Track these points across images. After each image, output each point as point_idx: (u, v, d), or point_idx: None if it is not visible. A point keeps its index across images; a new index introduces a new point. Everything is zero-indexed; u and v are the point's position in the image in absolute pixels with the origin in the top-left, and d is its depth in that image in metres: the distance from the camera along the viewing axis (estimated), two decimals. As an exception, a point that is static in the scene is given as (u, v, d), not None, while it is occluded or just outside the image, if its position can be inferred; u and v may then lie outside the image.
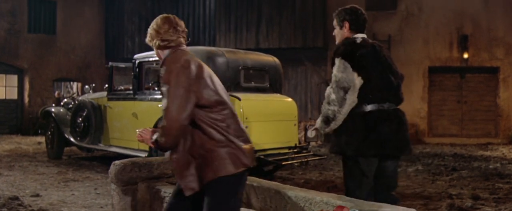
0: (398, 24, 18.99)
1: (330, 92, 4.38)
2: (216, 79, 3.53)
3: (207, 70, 3.51)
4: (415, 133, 18.50)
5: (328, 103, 4.38)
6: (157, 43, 3.61)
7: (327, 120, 4.40)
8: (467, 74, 18.98)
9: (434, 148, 16.22)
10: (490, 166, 11.71)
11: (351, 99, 4.33)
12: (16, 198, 7.17)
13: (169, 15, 3.71)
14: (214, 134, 3.34)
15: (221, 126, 3.36)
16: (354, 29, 4.60)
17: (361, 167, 4.38)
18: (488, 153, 14.75)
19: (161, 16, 3.69)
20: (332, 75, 4.39)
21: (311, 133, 5.06)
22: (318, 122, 4.50)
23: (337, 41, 4.67)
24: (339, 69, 4.34)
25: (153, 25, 3.65)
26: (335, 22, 4.70)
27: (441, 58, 18.68)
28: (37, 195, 7.80)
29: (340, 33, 4.67)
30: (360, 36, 4.60)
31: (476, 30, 18.38)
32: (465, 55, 18.36)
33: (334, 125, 4.38)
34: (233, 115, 3.49)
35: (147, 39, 3.70)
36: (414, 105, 18.59)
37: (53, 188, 8.51)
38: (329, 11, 19.21)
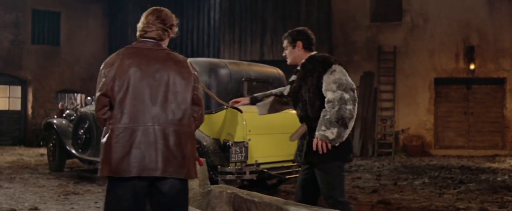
0: (403, 36, 18.86)
1: (340, 94, 4.45)
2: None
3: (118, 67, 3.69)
4: (421, 145, 18.33)
5: (345, 103, 4.42)
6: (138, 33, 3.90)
7: (344, 123, 4.42)
8: (474, 85, 18.81)
9: (441, 160, 16.04)
10: (498, 179, 11.53)
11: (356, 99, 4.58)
12: (14, 212, 7.04)
13: (160, 8, 3.89)
14: None
15: None
16: (307, 48, 4.87)
17: (343, 172, 4.69)
18: (495, 165, 14.56)
19: (152, 7, 3.88)
20: (335, 80, 4.49)
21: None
22: (331, 132, 4.41)
23: (289, 61, 4.96)
24: (342, 74, 4.54)
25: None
26: (286, 43, 4.94)
27: (447, 69, 18.53)
28: (36, 209, 7.65)
29: (293, 53, 4.90)
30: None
31: (482, 41, 18.23)
32: (472, 66, 18.21)
33: (350, 127, 4.49)
34: None
35: None
36: (420, 117, 18.44)
37: (53, 202, 8.35)
38: (334, 22, 19.15)
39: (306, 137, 4.71)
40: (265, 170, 7.97)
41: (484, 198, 9.03)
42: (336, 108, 4.40)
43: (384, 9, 19.30)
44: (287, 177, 8.40)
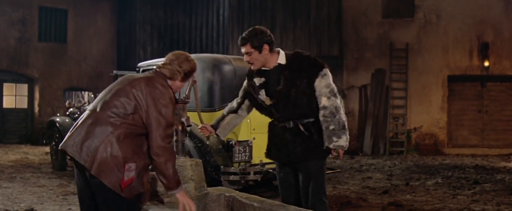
0: (416, 32, 18.48)
1: (334, 101, 4.54)
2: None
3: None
4: (434, 143, 17.97)
5: (340, 109, 4.54)
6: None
7: (345, 127, 4.56)
8: (488, 83, 18.41)
9: (454, 159, 15.68)
10: (514, 179, 11.16)
11: None
12: (7, 213, 6.79)
13: (186, 54, 4.24)
14: None
15: None
16: (272, 49, 4.68)
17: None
18: (511, 164, 14.19)
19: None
20: (327, 85, 4.56)
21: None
22: (343, 140, 4.54)
23: (256, 67, 4.73)
24: (331, 77, 4.62)
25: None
26: (249, 48, 4.64)
27: (461, 66, 18.14)
28: (31, 210, 7.39)
29: (260, 57, 4.66)
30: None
31: (497, 37, 17.83)
32: (486, 63, 17.80)
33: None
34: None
35: None
36: (433, 115, 18.07)
37: (50, 202, 8.10)
38: (345, 18, 18.82)
39: (287, 137, 4.70)
40: (271, 170, 7.63)
41: (500, 199, 8.68)
42: (337, 117, 4.50)
43: (396, 5, 18.92)
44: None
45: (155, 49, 21.80)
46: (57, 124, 11.77)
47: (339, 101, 4.57)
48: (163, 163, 3.75)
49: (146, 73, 4.09)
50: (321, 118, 4.54)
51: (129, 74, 4.34)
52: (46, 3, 20.86)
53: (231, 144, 7.43)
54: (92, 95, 12.73)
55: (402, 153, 17.38)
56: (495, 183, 10.53)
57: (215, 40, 21.11)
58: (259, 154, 7.69)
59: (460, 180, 11.00)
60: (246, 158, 7.49)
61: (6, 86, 20.59)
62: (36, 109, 20.75)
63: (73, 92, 22.14)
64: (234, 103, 5.13)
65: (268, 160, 7.82)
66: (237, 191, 4.81)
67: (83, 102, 21.38)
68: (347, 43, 18.94)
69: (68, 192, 8.98)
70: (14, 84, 20.71)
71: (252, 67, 4.81)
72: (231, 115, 5.12)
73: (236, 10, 19.94)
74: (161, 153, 3.74)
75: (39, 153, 16.14)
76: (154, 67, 9.04)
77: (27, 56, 20.36)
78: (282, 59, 4.71)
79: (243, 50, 4.71)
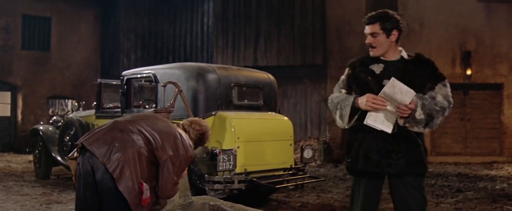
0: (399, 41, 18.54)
1: (446, 105, 4.20)
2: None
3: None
4: (418, 152, 18.02)
5: (439, 115, 4.15)
6: None
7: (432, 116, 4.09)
8: (471, 91, 18.53)
9: (437, 167, 15.74)
10: (497, 187, 11.23)
11: None
12: (-11, 223, 6.72)
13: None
14: None
15: None
16: (397, 41, 4.22)
17: None
18: (493, 172, 14.28)
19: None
20: (446, 94, 4.23)
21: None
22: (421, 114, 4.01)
23: (377, 53, 4.18)
24: (450, 91, 4.28)
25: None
26: (378, 28, 4.12)
27: (444, 74, 18.18)
28: (14, 219, 7.35)
29: (386, 43, 4.15)
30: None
31: (479, 46, 17.96)
32: (468, 72, 17.92)
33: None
34: None
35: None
36: (416, 123, 18.12)
37: (34, 211, 8.04)
38: (329, 27, 18.88)
39: (399, 144, 4.05)
40: (255, 179, 7.65)
41: (483, 207, 8.74)
42: (437, 109, 4.12)
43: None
44: (277, 186, 8.08)
45: (139, 58, 21.77)
46: (40, 133, 11.71)
47: (447, 112, 4.16)
48: None
49: None
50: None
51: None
52: (29, 11, 20.78)
53: (215, 153, 7.42)
54: (76, 103, 12.69)
55: (386, 161, 17.37)
56: (478, 191, 10.59)
57: (199, 49, 21.12)
58: (243, 163, 7.72)
59: (443, 188, 11.05)
60: (230, 166, 7.48)
61: (-11, 94, 20.47)
62: (19, 117, 20.63)
63: (57, 100, 22.04)
64: (345, 95, 4.24)
65: (253, 169, 7.89)
66: (222, 200, 4.82)
67: (66, 110, 21.30)
68: (331, 52, 18.98)
69: (52, 201, 8.92)
70: (-4, 92, 20.58)
71: (371, 53, 4.21)
72: None
73: (220, 19, 19.96)
74: None
75: (22, 161, 16.02)
76: (139, 76, 9.10)
77: (10, 64, 20.25)
78: (405, 55, 4.25)
79: (368, 30, 4.17)
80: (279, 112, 9.50)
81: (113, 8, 22.65)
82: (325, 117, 18.87)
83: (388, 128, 3.85)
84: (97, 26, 22.82)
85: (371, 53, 4.17)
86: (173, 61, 19.25)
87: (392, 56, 4.17)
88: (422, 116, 3.94)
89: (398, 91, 3.83)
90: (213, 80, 8.28)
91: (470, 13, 17.98)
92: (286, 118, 9.14)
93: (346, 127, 4.13)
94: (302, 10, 18.96)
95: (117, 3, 22.51)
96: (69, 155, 4.12)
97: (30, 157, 16.53)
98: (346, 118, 4.05)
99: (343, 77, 4.35)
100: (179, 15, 21.70)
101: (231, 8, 19.77)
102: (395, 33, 4.09)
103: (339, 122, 4.15)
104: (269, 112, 9.11)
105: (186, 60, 20.13)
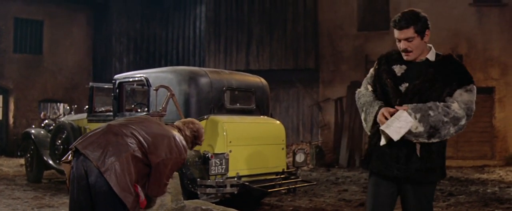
0: (391, 45, 18.41)
1: (462, 115, 4.08)
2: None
3: None
4: (410, 155, 18.06)
5: (453, 125, 4.11)
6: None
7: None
8: (462, 95, 18.57)
9: (429, 171, 15.73)
10: (488, 190, 11.26)
11: None
12: (-20, 227, 6.70)
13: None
14: None
15: None
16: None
17: None
18: (485, 176, 14.32)
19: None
20: (468, 101, 4.04)
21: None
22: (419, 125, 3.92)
23: (413, 57, 4.04)
24: (474, 98, 4.09)
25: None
26: (412, 32, 3.99)
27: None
28: (6, 224, 7.32)
29: (422, 45, 4.03)
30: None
31: (471, 49, 18.02)
32: (460, 76, 17.96)
33: None
34: None
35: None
36: (408, 127, 18.16)
37: (25, 216, 8.02)
38: (321, 31, 18.91)
39: (412, 151, 4.00)
40: (247, 183, 7.65)
41: (474, 211, 8.77)
42: (450, 121, 4.05)
43: (371, 18, 19.07)
44: (269, 190, 8.08)
45: (131, 61, 21.76)
46: (32, 136, 11.67)
47: (463, 121, 4.06)
48: None
49: None
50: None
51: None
52: (21, 14, 20.73)
53: (208, 156, 7.42)
54: (68, 107, 12.65)
55: (378, 165, 17.40)
56: (470, 195, 10.62)
57: (191, 52, 21.13)
58: (235, 167, 7.72)
59: (435, 192, 11.06)
60: (222, 170, 7.47)
61: (-20, 98, 20.41)
62: (11, 120, 20.56)
63: (49, 104, 21.98)
64: (371, 96, 4.16)
65: (245, 173, 7.90)
66: (214, 204, 4.82)
67: (58, 114, 21.21)
68: (323, 56, 19.01)
69: (43, 205, 8.90)
70: (-12, 96, 20.51)
71: (405, 57, 4.04)
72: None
73: (212, 23, 19.97)
74: None
75: (14, 165, 15.98)
76: (131, 80, 9.09)
77: (2, 67, 20.21)
78: (431, 55, 4.07)
79: (401, 35, 3.99)
80: (271, 116, 9.53)
81: (106, 11, 22.62)
82: (317, 121, 18.90)
83: (396, 136, 3.83)
84: (89, 29, 22.77)
85: (406, 58, 4.05)
86: (166, 65, 19.25)
87: (418, 57, 4.07)
88: (420, 129, 3.87)
89: (403, 120, 3.81)
90: (205, 84, 8.28)
91: (462, 17, 18.04)
92: (278, 122, 9.15)
93: (368, 133, 4.11)
94: (294, 14, 18.99)
95: (110, 6, 22.49)
96: (63, 159, 4.12)
97: (22, 161, 16.47)
98: (369, 124, 4.05)
99: (371, 71, 4.30)
100: (172, 19, 21.71)
101: (223, 12, 19.79)
102: (427, 33, 4.00)
103: (363, 124, 4.16)
104: (261, 116, 9.11)
105: (178, 64, 20.13)
